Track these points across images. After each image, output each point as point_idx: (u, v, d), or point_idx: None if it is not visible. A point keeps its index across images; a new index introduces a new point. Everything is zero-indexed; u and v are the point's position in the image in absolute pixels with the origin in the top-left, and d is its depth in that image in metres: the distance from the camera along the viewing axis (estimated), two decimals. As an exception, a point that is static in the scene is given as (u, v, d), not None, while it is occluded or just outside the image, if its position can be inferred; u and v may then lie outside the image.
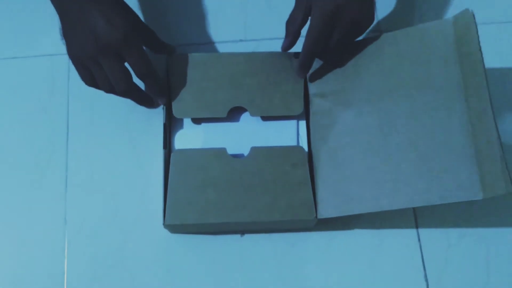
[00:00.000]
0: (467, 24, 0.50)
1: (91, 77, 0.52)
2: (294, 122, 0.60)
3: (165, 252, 0.58)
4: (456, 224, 0.60)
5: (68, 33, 0.51)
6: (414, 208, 0.61)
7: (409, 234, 0.60)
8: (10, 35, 0.67)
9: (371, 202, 0.52)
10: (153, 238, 0.59)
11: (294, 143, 0.59)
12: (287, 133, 0.60)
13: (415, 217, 0.60)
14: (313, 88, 0.59)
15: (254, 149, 0.56)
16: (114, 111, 0.63)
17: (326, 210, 0.54)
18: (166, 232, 0.58)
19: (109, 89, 0.52)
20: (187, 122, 0.59)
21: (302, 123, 0.60)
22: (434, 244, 0.60)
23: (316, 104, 0.58)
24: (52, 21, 0.67)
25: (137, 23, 0.55)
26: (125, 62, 0.51)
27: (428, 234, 0.60)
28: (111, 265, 0.58)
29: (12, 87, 0.65)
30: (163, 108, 0.57)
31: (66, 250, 0.59)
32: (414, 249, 0.59)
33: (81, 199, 0.60)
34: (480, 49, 0.49)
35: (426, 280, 0.58)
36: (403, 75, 0.54)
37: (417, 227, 0.60)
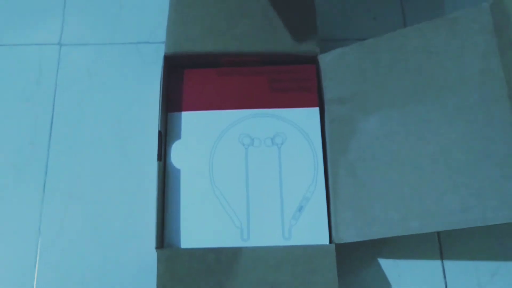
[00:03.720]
0: (506, 10, 0.44)
1: None
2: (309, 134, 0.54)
3: (151, 277, 0.52)
4: (488, 257, 0.53)
5: None
6: (438, 234, 0.53)
7: (432, 266, 0.53)
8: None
9: (398, 224, 0.46)
10: (138, 259, 0.53)
11: (310, 169, 0.53)
12: (302, 149, 0.54)
13: (440, 246, 0.53)
14: (329, 92, 0.53)
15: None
16: (105, 111, 0.59)
17: (346, 234, 0.48)
18: (155, 254, 0.52)
19: None
20: (185, 131, 0.54)
21: (316, 134, 0.54)
22: (462, 281, 0.52)
23: (332, 111, 0.53)
24: (42, 9, 0.64)
25: None
26: None
27: (455, 268, 0.53)
28: (86, 286, 0.53)
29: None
30: (159, 113, 0.52)
31: (37, 265, 0.54)
32: (439, 285, 0.52)
33: (60, 207, 0.55)
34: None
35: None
36: (432, 74, 0.48)
37: (442, 259, 0.53)
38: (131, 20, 0.64)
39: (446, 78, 0.47)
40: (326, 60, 0.54)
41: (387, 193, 0.47)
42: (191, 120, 0.54)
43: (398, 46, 0.51)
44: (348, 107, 0.52)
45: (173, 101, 0.55)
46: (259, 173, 0.52)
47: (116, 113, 0.59)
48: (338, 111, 0.52)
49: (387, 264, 0.53)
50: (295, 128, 0.54)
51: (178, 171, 0.53)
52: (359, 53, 0.53)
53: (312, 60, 0.56)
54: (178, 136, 0.54)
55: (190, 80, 0.56)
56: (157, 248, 0.48)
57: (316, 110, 0.55)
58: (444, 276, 0.52)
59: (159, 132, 0.52)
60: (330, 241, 0.50)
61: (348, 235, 0.48)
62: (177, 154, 0.53)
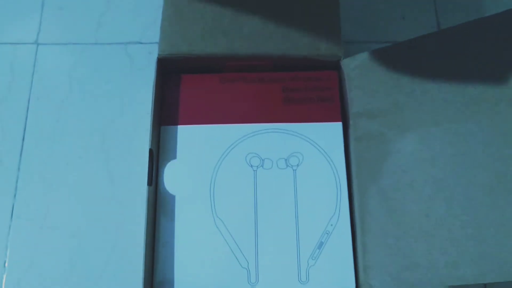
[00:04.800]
0: None
1: None
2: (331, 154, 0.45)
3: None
4: None
5: None
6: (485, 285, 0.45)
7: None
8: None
9: (446, 270, 0.37)
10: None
11: (333, 194, 0.44)
12: (322, 168, 0.45)
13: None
14: (355, 104, 0.44)
15: None
16: (87, 123, 0.51)
17: (377, 279, 0.39)
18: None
19: None
20: (181, 148, 0.45)
21: (339, 154, 0.45)
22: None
23: (359, 127, 0.44)
24: (18, 3, 0.55)
25: None
26: None
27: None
28: None
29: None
30: (150, 127, 0.43)
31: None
32: None
33: (29, 238, 0.47)
34: None
35: None
36: (485, 83, 0.39)
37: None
38: (119, 16, 0.55)
39: (503, 89, 0.38)
40: (351, 66, 0.45)
41: (431, 231, 0.38)
42: (188, 136, 0.45)
43: (440, 49, 0.42)
44: (379, 123, 0.43)
45: (167, 113, 0.46)
46: (270, 201, 0.43)
47: (101, 125, 0.50)
48: (366, 127, 0.43)
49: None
50: (313, 147, 0.45)
51: (173, 197, 0.44)
52: (391, 57, 0.44)
53: (334, 66, 0.47)
54: (172, 155, 0.45)
55: (188, 87, 0.47)
56: (144, 293, 0.39)
57: (338, 126, 0.46)
58: None
59: (150, 151, 0.43)
60: (357, 287, 0.41)
61: (379, 281, 0.39)
62: (172, 177, 0.44)
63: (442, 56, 0.42)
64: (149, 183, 0.42)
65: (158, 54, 0.46)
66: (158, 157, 0.45)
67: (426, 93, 0.42)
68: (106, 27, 0.55)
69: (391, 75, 0.44)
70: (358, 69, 0.45)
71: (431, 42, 0.43)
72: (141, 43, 0.54)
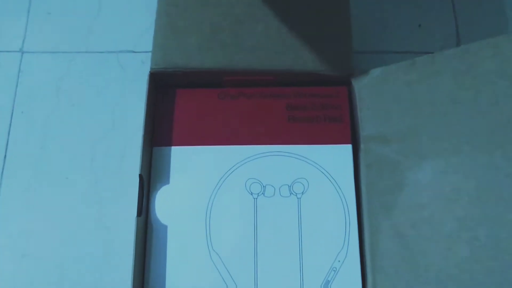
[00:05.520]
0: None
1: None
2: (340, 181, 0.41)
3: None
4: None
5: None
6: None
7: None
8: None
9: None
10: None
11: (341, 228, 0.40)
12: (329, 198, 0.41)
13: None
14: (366, 126, 0.40)
15: None
16: (75, 139, 0.47)
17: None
18: None
19: None
20: (175, 173, 0.41)
21: (348, 181, 0.41)
22: None
23: (371, 151, 0.39)
24: (1, 11, 0.51)
25: None
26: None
27: None
28: None
29: None
30: (141, 148, 0.39)
31: None
32: None
33: (10, 267, 0.44)
34: None
35: None
36: (516, 110, 0.35)
37: None
38: (111, 22, 0.51)
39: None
40: (362, 83, 0.41)
41: (451, 276, 0.34)
42: (182, 158, 0.41)
43: (465, 67, 0.37)
44: (394, 149, 0.38)
45: (160, 132, 0.42)
46: (272, 233, 0.40)
47: (90, 142, 0.47)
48: (379, 153, 0.39)
49: None
50: (320, 172, 0.41)
51: (164, 228, 0.40)
52: (408, 74, 0.39)
53: (344, 81, 0.43)
54: (165, 180, 0.41)
55: (183, 103, 0.43)
56: None
57: (348, 148, 0.42)
58: None
59: (140, 177, 0.39)
60: (367, 331, 0.37)
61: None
62: (164, 204, 0.41)
63: (465, 75, 0.38)
64: (139, 213, 0.38)
65: (151, 68, 0.42)
66: (149, 182, 0.41)
67: (446, 117, 0.37)
68: (97, 34, 0.50)
69: (408, 94, 0.39)
70: (370, 86, 0.41)
71: (453, 58, 0.39)
72: (134, 51, 0.50)
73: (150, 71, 0.42)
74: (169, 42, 0.43)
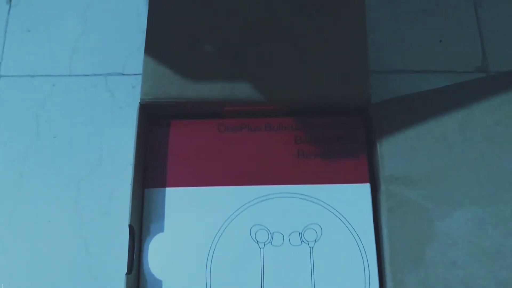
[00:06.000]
0: None
1: None
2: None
3: None
4: None
5: None
6: None
7: None
8: None
9: None
10: None
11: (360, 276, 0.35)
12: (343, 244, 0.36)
13: None
14: (387, 165, 0.35)
15: None
16: (57, 175, 0.42)
17: None
18: None
19: None
20: (170, 219, 0.37)
21: (367, 226, 0.36)
22: None
23: (393, 194, 0.34)
24: None
25: None
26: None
27: None
28: None
29: None
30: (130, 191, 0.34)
31: None
32: None
33: None
34: None
35: None
36: None
37: None
38: (97, 41, 0.46)
39: None
40: (382, 113, 0.36)
41: None
42: (179, 202, 0.37)
43: (500, 100, 0.32)
44: (420, 194, 0.33)
45: (153, 171, 0.38)
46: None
47: (74, 180, 0.42)
48: (402, 197, 0.34)
49: None
50: (335, 216, 0.36)
51: (159, 283, 0.35)
52: (435, 105, 0.34)
53: (359, 110, 0.38)
54: (159, 227, 0.36)
55: (179, 137, 0.38)
56: None
57: (366, 188, 0.37)
58: None
59: (130, 228, 0.34)
60: None
61: None
62: (158, 256, 0.36)
63: (502, 108, 0.33)
64: (129, 271, 0.33)
65: (141, 99, 0.37)
66: (141, 230, 0.36)
67: (483, 158, 0.32)
68: (82, 54, 0.45)
69: (435, 129, 0.34)
70: (391, 117, 0.36)
71: (485, 88, 0.34)
72: (123, 74, 0.45)
73: (140, 103, 0.37)
74: (160, 69, 0.38)
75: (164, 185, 0.37)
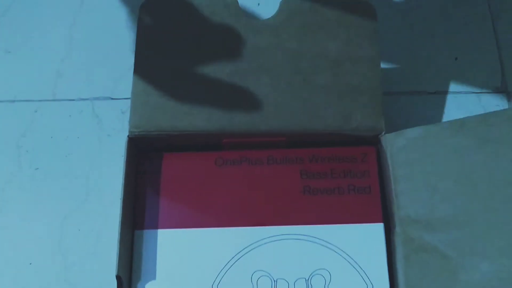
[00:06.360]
0: None
1: None
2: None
3: None
4: None
5: None
6: None
7: None
8: None
9: None
10: None
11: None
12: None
13: None
14: (404, 204, 0.32)
15: None
16: (39, 212, 0.38)
17: None
18: None
19: None
20: (162, 264, 0.33)
21: (381, 273, 0.32)
22: None
23: (411, 239, 0.31)
24: None
25: None
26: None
27: None
28: None
29: None
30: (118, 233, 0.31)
31: None
32: None
33: None
34: None
35: None
36: None
37: None
38: (84, 62, 0.42)
39: None
40: (397, 145, 0.32)
41: None
42: (172, 245, 0.34)
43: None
44: (442, 239, 0.30)
45: (143, 210, 0.34)
46: None
47: (58, 217, 0.39)
48: (420, 242, 0.31)
49: None
50: (345, 260, 0.33)
51: None
52: (456, 138, 0.31)
53: (372, 141, 0.34)
54: (150, 275, 0.33)
55: (172, 172, 0.35)
56: None
57: (379, 229, 0.33)
58: None
59: (118, 279, 0.30)
60: None
61: None
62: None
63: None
64: (116, 329, 0.30)
65: (129, 132, 0.33)
66: (130, 276, 0.33)
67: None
68: (67, 77, 0.42)
69: (458, 166, 0.31)
70: (407, 151, 0.33)
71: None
72: (112, 98, 0.41)
73: (128, 136, 0.33)
74: (151, 99, 0.34)
75: (156, 226, 0.34)
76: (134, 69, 0.35)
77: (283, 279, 0.33)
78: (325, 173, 0.35)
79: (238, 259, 0.33)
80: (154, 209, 0.34)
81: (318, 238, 0.34)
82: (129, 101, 0.36)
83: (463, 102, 0.41)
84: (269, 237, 0.34)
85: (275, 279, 0.33)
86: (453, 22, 0.43)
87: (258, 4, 0.44)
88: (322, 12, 0.35)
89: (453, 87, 0.42)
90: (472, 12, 0.44)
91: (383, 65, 0.40)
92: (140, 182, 0.35)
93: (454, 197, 0.31)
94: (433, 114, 0.41)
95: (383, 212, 0.34)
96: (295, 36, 0.35)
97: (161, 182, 0.35)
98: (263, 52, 0.35)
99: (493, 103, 0.41)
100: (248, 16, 0.36)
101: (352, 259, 0.33)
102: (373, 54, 0.34)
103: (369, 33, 0.35)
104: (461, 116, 0.32)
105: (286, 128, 0.34)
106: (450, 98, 0.41)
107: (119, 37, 0.43)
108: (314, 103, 0.34)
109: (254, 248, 0.33)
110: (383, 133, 0.34)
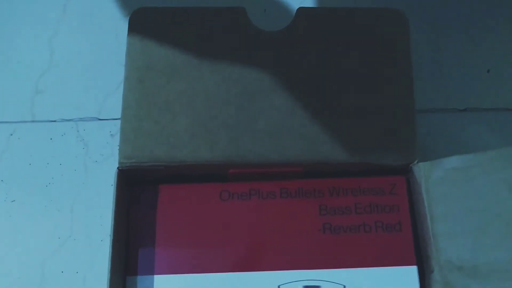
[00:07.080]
0: None
1: None
2: None
3: None
4: None
5: None
6: None
7: None
8: None
9: None
10: None
11: None
12: None
13: None
14: (444, 247, 0.28)
15: None
16: (17, 251, 0.34)
17: None
18: None
19: None
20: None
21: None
22: None
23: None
24: None
25: None
26: None
27: None
28: None
29: None
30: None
31: None
32: None
33: None
34: None
35: None
36: None
37: None
38: (66, 79, 0.38)
39: None
40: (433, 176, 0.28)
41: None
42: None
43: None
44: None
45: (137, 253, 0.30)
46: None
47: (37, 258, 0.35)
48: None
49: None
50: (374, 312, 0.28)
51: None
52: (506, 171, 0.27)
53: (401, 170, 0.30)
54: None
55: (169, 207, 0.31)
56: None
57: (412, 272, 0.29)
58: None
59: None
60: None
61: None
62: None
63: None
64: None
65: (120, 163, 0.29)
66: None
67: None
68: (47, 95, 0.37)
69: (508, 203, 0.26)
70: (446, 184, 0.28)
71: None
72: (99, 119, 0.37)
73: (118, 168, 0.29)
74: (144, 124, 0.29)
75: (151, 271, 0.30)
76: (124, 87, 0.30)
77: (302, 334, 0.28)
78: (348, 208, 0.30)
79: (249, 311, 0.28)
80: (149, 252, 0.30)
81: (340, 284, 0.29)
82: (118, 121, 0.31)
83: (497, 120, 0.37)
84: (284, 284, 0.29)
85: (293, 335, 0.28)
86: (484, 30, 0.39)
87: (265, 10, 0.39)
88: (346, 22, 0.31)
89: (484, 103, 0.38)
90: (506, 20, 0.39)
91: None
92: (132, 219, 0.30)
93: (505, 240, 0.26)
94: (463, 134, 0.37)
95: (416, 254, 0.29)
96: (314, 49, 0.30)
97: (156, 219, 0.30)
98: (275, 69, 0.30)
99: (531, 121, 0.37)
100: (256, 25, 0.31)
101: (382, 310, 0.28)
102: (406, 71, 0.30)
103: (401, 47, 0.30)
104: (496, 137, 0.28)
105: (303, 158, 0.29)
106: (482, 116, 0.37)
107: (106, 50, 0.38)
108: (336, 128, 0.29)
109: (268, 297, 0.29)
110: (416, 161, 0.29)
